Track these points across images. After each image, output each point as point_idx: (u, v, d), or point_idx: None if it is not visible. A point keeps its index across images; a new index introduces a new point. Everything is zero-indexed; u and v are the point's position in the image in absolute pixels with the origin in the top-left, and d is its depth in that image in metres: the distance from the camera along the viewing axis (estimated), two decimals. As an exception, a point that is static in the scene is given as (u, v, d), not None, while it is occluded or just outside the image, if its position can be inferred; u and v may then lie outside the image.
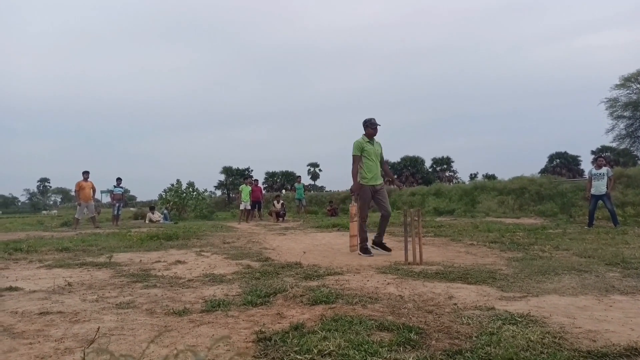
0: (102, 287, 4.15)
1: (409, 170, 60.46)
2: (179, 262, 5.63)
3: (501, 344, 2.28)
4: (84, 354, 1.91)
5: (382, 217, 6.40)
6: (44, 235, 10.57)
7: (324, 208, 24.13)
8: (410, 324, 2.69)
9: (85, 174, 14.18)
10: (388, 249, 6.28)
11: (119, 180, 16.48)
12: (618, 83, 31.26)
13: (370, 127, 6.35)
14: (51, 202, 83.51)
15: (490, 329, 2.56)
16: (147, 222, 17.20)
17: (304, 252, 6.24)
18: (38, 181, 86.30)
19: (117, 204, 16.10)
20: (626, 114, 30.73)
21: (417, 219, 5.71)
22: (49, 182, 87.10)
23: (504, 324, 2.67)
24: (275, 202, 18.37)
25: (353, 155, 6.27)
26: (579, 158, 54.32)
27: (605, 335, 2.46)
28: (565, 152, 55.66)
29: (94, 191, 14.67)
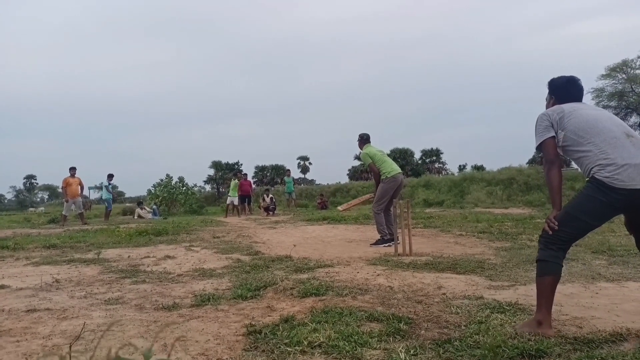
0: (91, 284, 4.11)
1: (399, 162, 60.58)
2: (168, 257, 5.60)
3: (489, 332, 2.30)
4: (70, 350, 1.89)
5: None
6: (31, 232, 10.45)
7: (314, 201, 24.14)
8: (400, 315, 2.70)
9: (72, 170, 14.01)
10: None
11: (111, 176, 16.44)
12: (604, 73, 31.48)
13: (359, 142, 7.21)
14: (38, 199, 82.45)
15: (478, 318, 2.59)
16: (135, 217, 17.06)
17: (294, 245, 6.23)
18: (24, 178, 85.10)
19: (105, 200, 16.08)
20: (612, 103, 30.97)
21: (406, 210, 5.73)
22: (36, 179, 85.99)
23: (492, 312, 2.70)
24: (264, 196, 18.33)
25: (369, 164, 6.87)
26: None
27: (592, 322, 2.49)
28: (553, 143, 56.15)
29: (82, 187, 14.51)
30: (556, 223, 2.45)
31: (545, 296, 2.41)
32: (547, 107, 2.81)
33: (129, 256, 5.76)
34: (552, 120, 2.60)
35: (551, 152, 2.55)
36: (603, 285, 3.43)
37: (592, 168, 2.44)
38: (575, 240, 2.51)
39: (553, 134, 2.58)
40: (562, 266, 2.47)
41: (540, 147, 2.61)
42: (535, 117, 2.67)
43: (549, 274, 2.43)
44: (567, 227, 2.44)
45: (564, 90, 2.77)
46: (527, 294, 3.18)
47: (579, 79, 2.79)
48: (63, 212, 14.01)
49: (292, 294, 3.37)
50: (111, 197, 16.60)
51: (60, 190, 16.49)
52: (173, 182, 22.32)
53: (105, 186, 16.27)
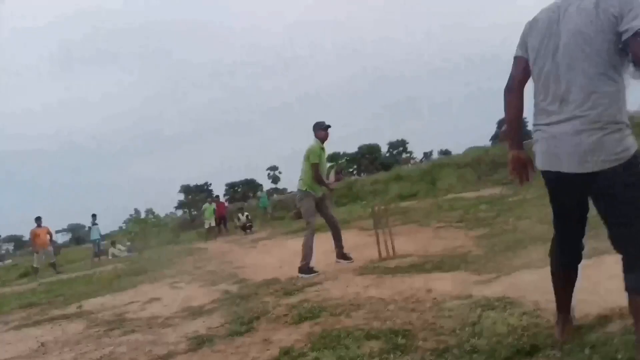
0: (78, 342, 4.00)
1: (367, 158, 61.41)
2: (153, 299, 5.48)
3: (484, 334, 2.36)
4: None
5: (332, 226, 5.84)
6: (4, 291, 10.07)
7: (289, 212, 24.07)
8: (396, 328, 2.75)
9: (38, 220, 13.56)
10: (350, 259, 5.72)
11: (94, 216, 16.92)
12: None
13: (322, 129, 5.80)
14: (3, 252, 79.18)
15: (471, 319, 2.66)
16: (110, 257, 16.64)
17: (280, 267, 6.20)
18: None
19: (97, 240, 16.53)
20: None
21: (385, 211, 5.79)
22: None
23: (483, 310, 2.77)
24: (239, 215, 18.19)
25: (313, 164, 5.60)
26: (526, 120, 56.11)
27: (578, 307, 2.58)
28: (511, 117, 57.59)
29: (51, 236, 14.09)
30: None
31: (556, 296, 2.22)
32: None
33: (113, 305, 5.61)
34: (523, 34, 2.04)
35: (511, 73, 2.07)
36: (583, 264, 3.54)
37: None
38: (566, 230, 2.13)
39: (520, 53, 2.04)
40: (561, 262, 2.18)
41: None
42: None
43: (551, 271, 2.22)
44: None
45: None
46: (513, 285, 3.27)
47: None
48: (34, 265, 13.53)
49: (286, 321, 3.37)
50: (98, 238, 16.80)
51: (25, 239, 16.20)
52: (142, 215, 21.93)
53: (95, 226, 16.55)
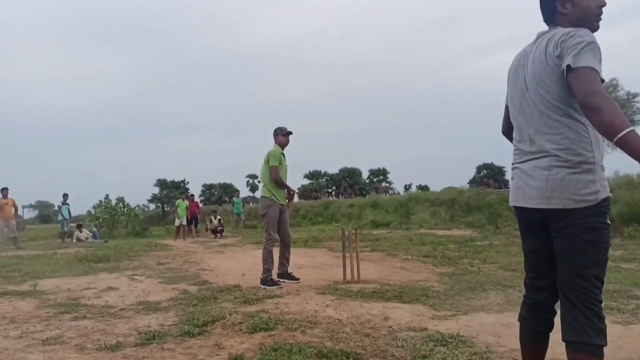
0: (27, 320, 3.90)
1: (347, 181, 61.84)
2: (110, 288, 5.38)
3: (433, 368, 2.40)
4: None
5: (285, 244, 5.76)
6: (-43, 259, 9.72)
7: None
8: (348, 350, 2.76)
9: (4, 190, 13.20)
10: (296, 279, 5.60)
11: (65, 196, 16.94)
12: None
13: (283, 135, 5.75)
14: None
15: (423, 352, 2.69)
16: (74, 240, 16.24)
17: (243, 275, 6.17)
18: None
19: (65, 220, 16.62)
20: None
21: (355, 235, 5.82)
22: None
23: (435, 345, 2.82)
24: (212, 217, 18.03)
25: (272, 167, 5.54)
26: (504, 169, 57.45)
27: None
28: (492, 163, 58.87)
29: (16, 209, 13.70)
30: None
31: None
32: None
33: (68, 288, 5.49)
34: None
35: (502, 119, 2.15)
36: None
37: None
38: (535, 278, 1.95)
39: (506, 101, 2.08)
40: (531, 330, 2.00)
41: None
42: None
43: (520, 341, 2.04)
44: None
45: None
46: (468, 324, 3.34)
47: None
48: (-6, 236, 13.14)
49: (240, 329, 3.35)
50: (67, 218, 16.88)
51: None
52: (112, 202, 21.49)
53: (65, 206, 16.72)
